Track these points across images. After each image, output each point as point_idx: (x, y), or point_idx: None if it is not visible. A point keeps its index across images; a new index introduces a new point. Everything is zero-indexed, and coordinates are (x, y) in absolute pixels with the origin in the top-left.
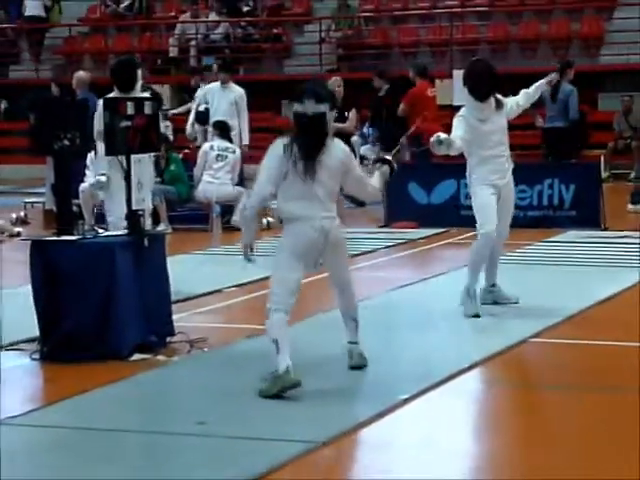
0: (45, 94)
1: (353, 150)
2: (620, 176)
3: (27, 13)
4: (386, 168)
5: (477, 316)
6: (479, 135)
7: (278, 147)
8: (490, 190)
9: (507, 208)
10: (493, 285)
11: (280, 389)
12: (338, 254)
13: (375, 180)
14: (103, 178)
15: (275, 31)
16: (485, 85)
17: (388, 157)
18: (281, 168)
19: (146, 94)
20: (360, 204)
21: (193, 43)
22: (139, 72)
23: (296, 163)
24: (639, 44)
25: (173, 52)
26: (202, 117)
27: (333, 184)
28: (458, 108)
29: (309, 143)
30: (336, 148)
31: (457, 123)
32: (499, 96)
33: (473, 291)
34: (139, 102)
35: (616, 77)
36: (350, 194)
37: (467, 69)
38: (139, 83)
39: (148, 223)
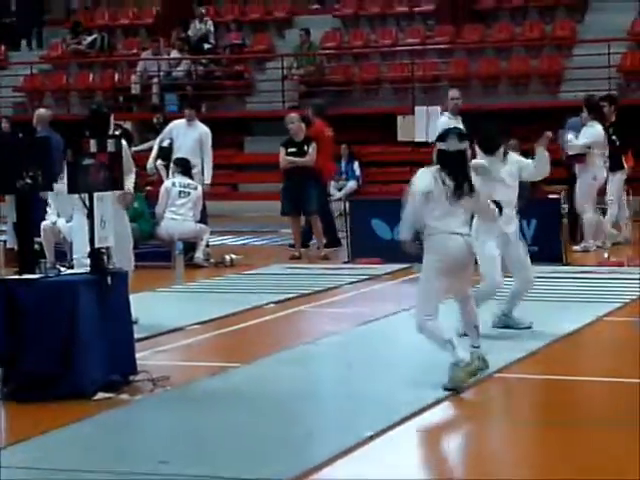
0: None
1: (325, 188)
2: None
3: None
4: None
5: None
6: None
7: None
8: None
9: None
10: (506, 314)
11: (473, 373)
12: (468, 271)
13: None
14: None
15: (237, 68)
16: (493, 141)
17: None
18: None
19: (117, 132)
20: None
21: (155, 80)
22: (111, 120)
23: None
24: (598, 80)
25: (135, 89)
26: (166, 153)
27: (467, 208)
28: (419, 144)
29: (455, 174)
30: (468, 178)
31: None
32: (507, 149)
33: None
34: (102, 140)
35: (576, 113)
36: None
37: (478, 128)
38: (111, 130)
39: (111, 261)
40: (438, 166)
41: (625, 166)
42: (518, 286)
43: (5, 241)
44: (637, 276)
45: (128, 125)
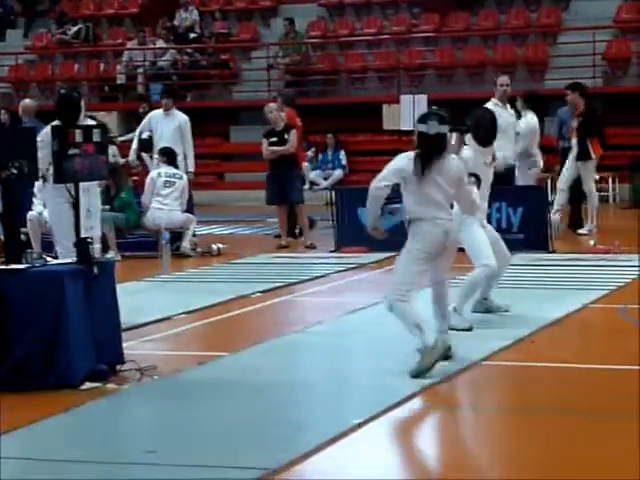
0: None
1: (303, 176)
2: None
3: None
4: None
5: (470, 329)
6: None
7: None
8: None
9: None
10: (485, 298)
11: (436, 359)
12: (450, 252)
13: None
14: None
15: (222, 57)
16: (489, 133)
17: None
18: (398, 176)
19: (90, 122)
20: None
21: (140, 70)
22: (82, 105)
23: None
24: (583, 68)
25: (120, 79)
26: (146, 144)
27: (449, 192)
28: (405, 133)
29: (432, 158)
30: (452, 163)
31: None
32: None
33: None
34: (87, 130)
35: (562, 101)
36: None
37: (475, 118)
38: (82, 115)
39: (97, 250)
40: (417, 150)
41: (593, 155)
42: (496, 267)
43: None
44: (623, 263)
45: (113, 115)
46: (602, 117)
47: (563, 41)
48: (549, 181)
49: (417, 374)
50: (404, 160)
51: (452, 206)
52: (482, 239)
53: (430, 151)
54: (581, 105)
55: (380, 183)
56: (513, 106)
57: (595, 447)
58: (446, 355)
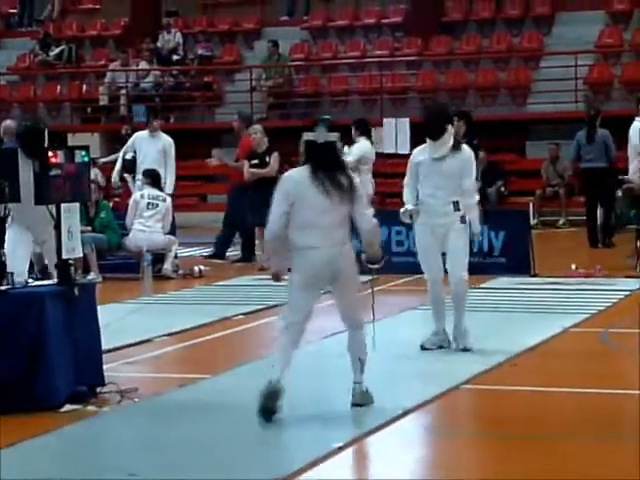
0: None
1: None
2: (548, 223)
3: None
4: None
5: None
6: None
7: (284, 181)
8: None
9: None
10: (443, 330)
11: (262, 404)
12: (346, 285)
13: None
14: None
15: (206, 79)
16: (437, 125)
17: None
18: (289, 200)
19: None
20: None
21: (123, 91)
22: (46, 137)
23: (309, 189)
24: (565, 93)
25: (103, 100)
26: (129, 165)
27: (341, 210)
28: (389, 156)
29: (322, 169)
30: (345, 176)
31: (409, 172)
32: (460, 140)
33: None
34: (70, 151)
35: (543, 125)
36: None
37: (423, 111)
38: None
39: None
40: (307, 165)
41: None
42: (435, 278)
43: None
44: (604, 287)
45: (96, 137)
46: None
47: (545, 65)
48: (530, 205)
49: (260, 413)
50: (289, 182)
51: (456, 206)
52: (424, 250)
53: (319, 162)
54: (461, 131)
55: (274, 220)
56: (348, 134)
57: (576, 470)
58: (368, 402)
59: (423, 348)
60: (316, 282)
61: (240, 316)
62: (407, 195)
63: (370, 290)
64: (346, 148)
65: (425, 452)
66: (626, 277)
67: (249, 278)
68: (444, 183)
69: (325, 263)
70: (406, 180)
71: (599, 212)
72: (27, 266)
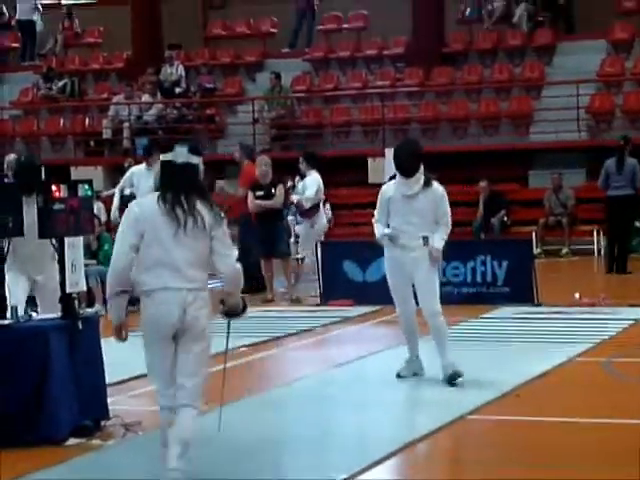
0: None
1: (288, 229)
2: (552, 252)
3: None
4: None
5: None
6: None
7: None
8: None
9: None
10: (417, 357)
11: None
12: (193, 339)
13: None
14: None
15: (208, 112)
16: (411, 163)
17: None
18: (138, 230)
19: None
20: None
21: (126, 124)
22: (42, 172)
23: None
24: (568, 122)
25: (106, 134)
26: (127, 200)
27: (200, 246)
28: None
29: (175, 194)
30: (206, 208)
31: (379, 208)
32: (431, 177)
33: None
34: (73, 185)
35: (545, 155)
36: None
37: (395, 148)
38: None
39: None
40: (160, 190)
41: None
42: (406, 314)
43: None
44: (608, 316)
45: (99, 170)
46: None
47: (547, 95)
48: (533, 234)
49: None
50: (137, 208)
51: (425, 241)
52: (394, 283)
53: (177, 186)
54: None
55: (118, 257)
56: (296, 167)
57: None
58: None
59: (399, 376)
60: (166, 333)
61: (244, 348)
62: (379, 228)
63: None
64: (300, 183)
65: None
66: (630, 306)
67: (252, 310)
68: (415, 219)
69: (174, 307)
70: (376, 216)
71: None
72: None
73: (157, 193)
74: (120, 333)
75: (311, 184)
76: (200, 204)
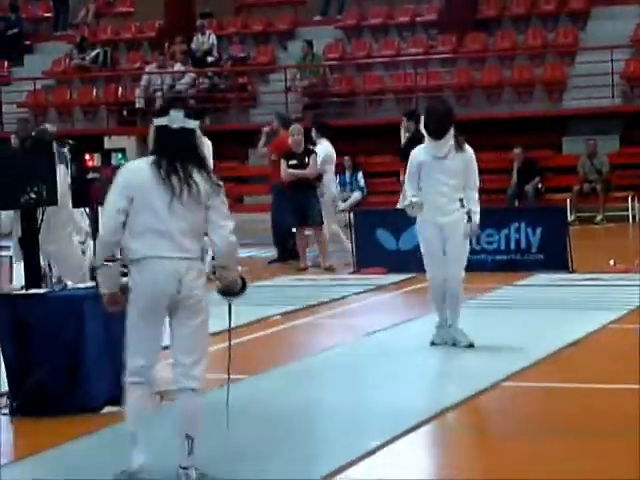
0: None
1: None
2: (586, 219)
3: None
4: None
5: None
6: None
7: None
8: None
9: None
10: (450, 326)
11: None
12: (190, 313)
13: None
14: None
15: (240, 81)
16: (440, 123)
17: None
18: (127, 195)
19: (65, 149)
20: None
21: (159, 94)
22: (54, 147)
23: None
24: (602, 88)
25: (139, 103)
26: None
27: (196, 215)
28: None
29: (170, 160)
30: (202, 177)
31: (409, 172)
32: (461, 139)
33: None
34: (107, 154)
35: (579, 121)
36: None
37: (426, 109)
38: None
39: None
40: (154, 156)
41: None
42: (438, 279)
43: (11, 257)
44: None
45: (132, 139)
46: None
47: (581, 61)
48: (567, 201)
49: None
50: (127, 172)
51: (462, 203)
52: (427, 250)
53: (173, 152)
54: (408, 130)
55: (107, 221)
56: (308, 136)
57: (621, 466)
58: None
59: (433, 344)
60: (158, 305)
61: (277, 316)
62: (409, 190)
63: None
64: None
65: (464, 451)
66: None
67: (286, 279)
68: (450, 181)
69: (169, 277)
70: (407, 182)
71: None
72: None
73: (151, 158)
74: (113, 303)
75: (318, 153)
76: (197, 172)
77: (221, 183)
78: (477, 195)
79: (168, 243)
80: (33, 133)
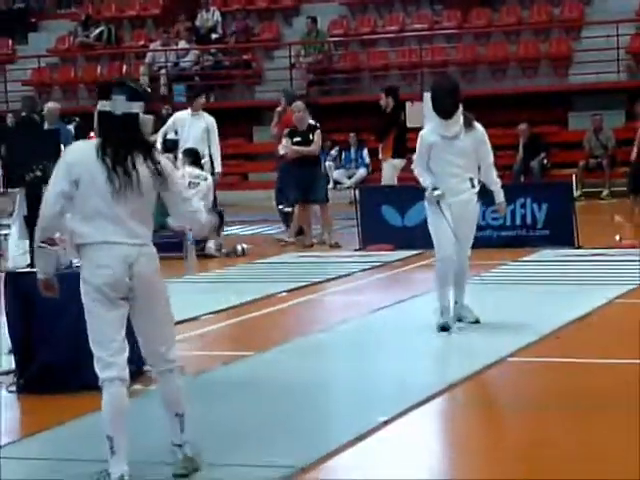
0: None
1: (327, 175)
2: (592, 194)
3: None
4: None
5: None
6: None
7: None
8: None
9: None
10: (456, 302)
11: None
12: (148, 304)
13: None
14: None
15: (245, 57)
16: (447, 102)
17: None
18: (71, 177)
19: (70, 126)
20: None
21: (163, 71)
22: (45, 127)
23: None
24: (607, 63)
25: (143, 80)
26: (170, 145)
27: (144, 200)
28: None
29: (116, 149)
30: (148, 166)
31: (419, 154)
32: (471, 116)
33: (443, 307)
34: None
35: (585, 96)
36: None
37: (432, 88)
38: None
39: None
40: (99, 139)
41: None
42: (452, 258)
43: (6, 235)
44: None
45: None
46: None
47: (586, 35)
48: (573, 177)
49: None
50: (72, 153)
51: (472, 183)
52: (437, 227)
53: (117, 142)
54: (388, 107)
55: (48, 202)
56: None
57: (624, 440)
58: (188, 471)
59: (443, 329)
60: (110, 292)
61: (283, 293)
62: (426, 179)
63: None
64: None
65: (472, 425)
66: None
67: (291, 255)
68: (461, 161)
69: (119, 263)
70: (418, 163)
71: None
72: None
73: (96, 141)
74: (48, 288)
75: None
76: (142, 162)
77: (167, 168)
78: (495, 172)
79: (118, 228)
80: (23, 113)
